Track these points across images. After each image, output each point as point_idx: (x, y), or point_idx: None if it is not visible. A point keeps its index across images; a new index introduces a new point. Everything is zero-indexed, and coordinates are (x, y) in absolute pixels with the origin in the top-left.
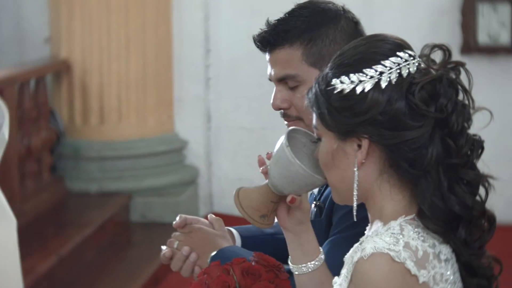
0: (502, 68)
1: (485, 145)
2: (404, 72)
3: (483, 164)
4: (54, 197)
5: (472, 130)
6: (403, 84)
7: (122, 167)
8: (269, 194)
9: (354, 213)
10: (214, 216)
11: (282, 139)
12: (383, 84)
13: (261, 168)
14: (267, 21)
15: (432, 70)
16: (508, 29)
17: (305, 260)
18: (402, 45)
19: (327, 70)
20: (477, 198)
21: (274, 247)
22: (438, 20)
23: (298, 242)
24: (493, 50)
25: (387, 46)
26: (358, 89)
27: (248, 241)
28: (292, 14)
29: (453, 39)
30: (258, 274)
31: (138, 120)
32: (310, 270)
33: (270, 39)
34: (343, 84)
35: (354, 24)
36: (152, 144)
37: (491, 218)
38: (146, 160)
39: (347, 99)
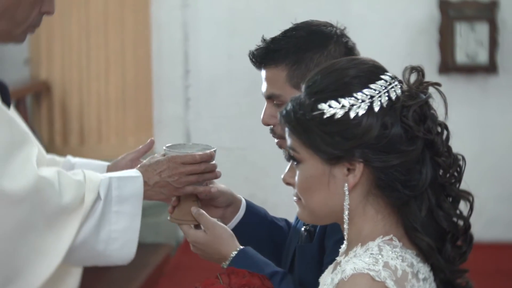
0: (480, 87)
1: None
2: (393, 95)
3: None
4: None
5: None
6: (396, 107)
7: None
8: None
9: (345, 238)
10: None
11: None
12: (376, 108)
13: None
14: (263, 38)
15: (420, 94)
16: (486, 48)
17: None
18: (381, 67)
19: (302, 97)
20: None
21: (271, 231)
22: (416, 39)
23: None
24: (471, 69)
25: (369, 69)
26: (352, 114)
27: (249, 216)
28: (285, 34)
29: (431, 59)
30: None
31: (118, 141)
32: None
33: (260, 57)
34: (332, 108)
35: (345, 50)
36: None
37: (470, 237)
38: None
39: (339, 124)
